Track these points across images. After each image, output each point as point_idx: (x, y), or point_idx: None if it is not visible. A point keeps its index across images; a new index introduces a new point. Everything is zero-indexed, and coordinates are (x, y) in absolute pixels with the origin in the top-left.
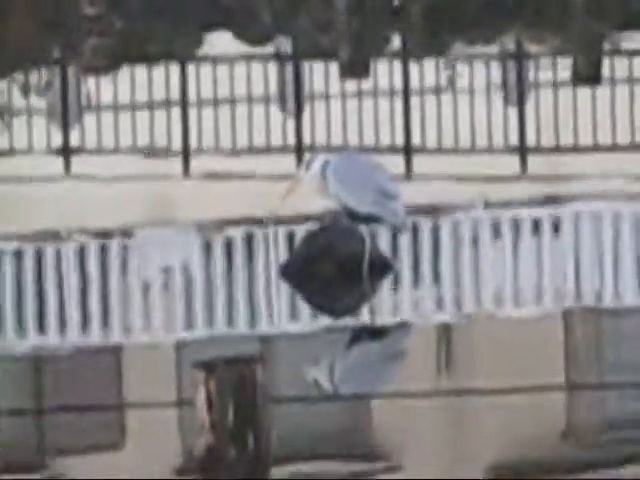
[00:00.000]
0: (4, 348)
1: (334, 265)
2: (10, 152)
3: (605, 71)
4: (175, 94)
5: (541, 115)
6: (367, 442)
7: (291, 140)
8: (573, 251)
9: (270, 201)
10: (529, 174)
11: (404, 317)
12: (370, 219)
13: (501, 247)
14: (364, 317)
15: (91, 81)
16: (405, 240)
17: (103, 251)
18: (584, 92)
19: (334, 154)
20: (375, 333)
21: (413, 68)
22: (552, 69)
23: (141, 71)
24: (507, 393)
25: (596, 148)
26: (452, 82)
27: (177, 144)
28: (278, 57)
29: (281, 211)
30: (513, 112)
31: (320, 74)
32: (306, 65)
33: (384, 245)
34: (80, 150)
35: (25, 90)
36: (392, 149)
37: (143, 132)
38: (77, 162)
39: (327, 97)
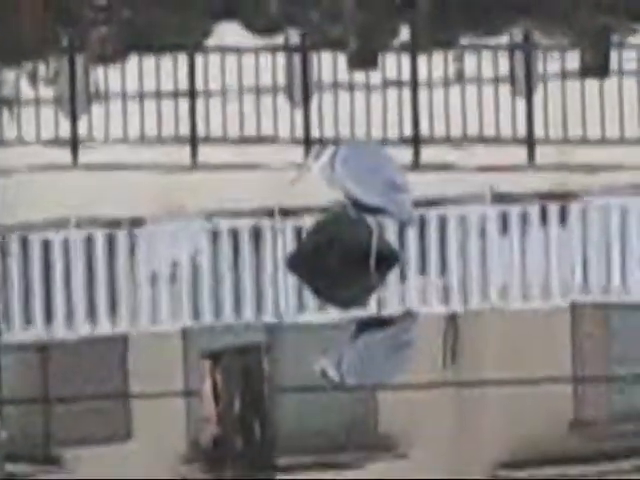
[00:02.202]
0: (11, 337)
1: (341, 256)
2: (18, 141)
3: (613, 63)
4: (183, 84)
5: (549, 107)
6: (373, 433)
7: (299, 131)
8: (581, 244)
9: (278, 192)
10: (537, 165)
11: (410, 306)
12: (377, 211)
13: (508, 239)
14: (371, 308)
15: (99, 71)
16: (412, 232)
17: (110, 241)
18: (592, 84)
19: (344, 144)
20: (381, 323)
21: (421, 59)
22: (560, 61)
23: (149, 61)
24: (514, 385)
25: (604, 140)
26: (460, 74)
27: (185, 134)
28: (286, 48)
29: (289, 202)
30: (521, 104)
31: (328, 65)
32: (314, 56)
33: (391, 237)
34: (88, 139)
35: (33, 80)
36: (400, 140)
37: (151, 122)
38: (85, 152)
39: (335, 88)
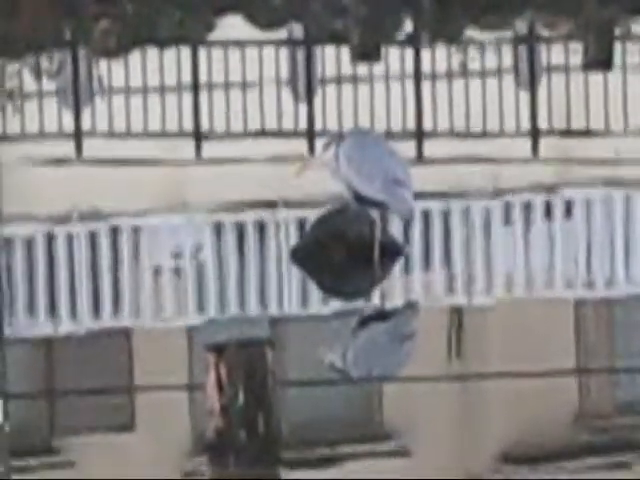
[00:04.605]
0: (15, 331)
1: (345, 249)
2: (21, 135)
3: (617, 56)
4: (187, 78)
5: (553, 99)
6: (377, 426)
7: (302, 124)
8: (585, 236)
9: (282, 185)
10: (541, 158)
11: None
12: (379, 205)
13: (512, 232)
14: (375, 301)
15: (102, 64)
16: (416, 225)
17: (114, 235)
18: (596, 77)
19: (348, 135)
20: (383, 315)
21: (425, 52)
22: (564, 53)
23: (152, 54)
24: (518, 377)
25: (608, 133)
26: (464, 66)
27: (188, 128)
28: (290, 41)
29: (292, 195)
30: (525, 96)
31: (332, 58)
32: (318, 49)
33: (395, 229)
34: (91, 133)
35: (36, 73)
36: (404, 133)
37: (154, 116)
38: (88, 145)
39: (339, 81)
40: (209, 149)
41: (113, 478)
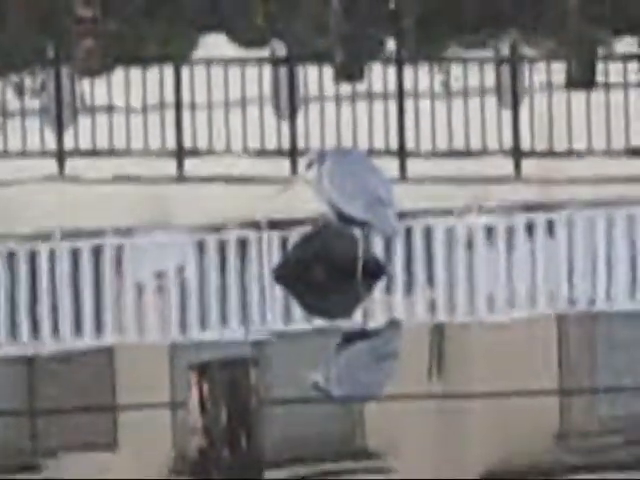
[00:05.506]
0: None
1: (328, 268)
2: (4, 153)
3: (600, 75)
4: (169, 96)
5: (535, 119)
6: (359, 444)
7: (285, 143)
8: (567, 255)
9: (264, 204)
10: (523, 177)
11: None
12: (361, 224)
13: (495, 251)
14: (357, 320)
15: (85, 83)
16: (399, 243)
17: (97, 253)
18: (578, 96)
19: (331, 154)
20: (365, 334)
21: (407, 71)
22: (547, 73)
23: (135, 73)
24: (500, 396)
25: (590, 152)
26: (446, 85)
27: (171, 146)
28: (272, 60)
29: (275, 214)
30: (507, 115)
31: (314, 77)
32: (300, 68)
33: (378, 248)
34: (74, 152)
35: (19, 91)
36: (386, 152)
37: (137, 134)
38: (71, 164)
39: (321, 100)
40: (192, 167)
41: None
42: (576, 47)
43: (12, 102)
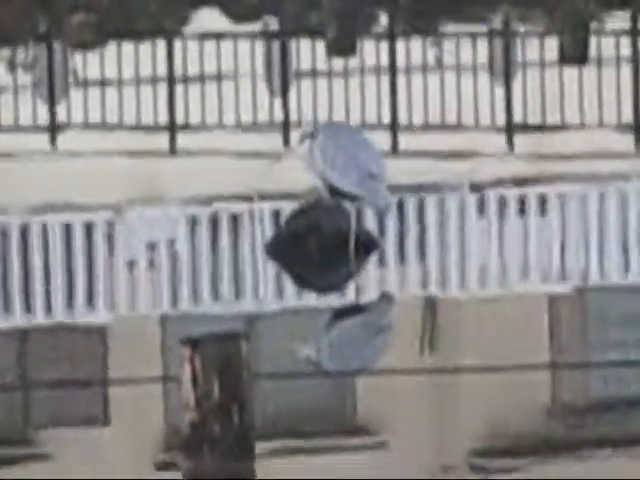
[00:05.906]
0: None
1: (320, 242)
2: None
3: (592, 51)
4: (162, 70)
5: (528, 94)
6: (351, 418)
7: (278, 117)
8: (559, 230)
9: (257, 178)
10: (516, 152)
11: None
12: (353, 198)
13: (487, 225)
14: (350, 294)
15: (78, 57)
16: (391, 217)
17: (89, 228)
18: (571, 71)
19: (323, 128)
20: (358, 308)
21: (400, 46)
22: (539, 48)
23: (128, 47)
24: (492, 371)
25: (583, 127)
26: (439, 60)
27: (163, 120)
28: (265, 34)
29: (267, 188)
30: (500, 91)
31: (307, 52)
32: (293, 43)
33: (370, 223)
34: (66, 126)
35: (11, 66)
36: (378, 126)
37: (130, 108)
38: (63, 138)
39: (314, 75)
40: (184, 141)
41: (88, 470)
42: (568, 22)
43: (4, 77)
